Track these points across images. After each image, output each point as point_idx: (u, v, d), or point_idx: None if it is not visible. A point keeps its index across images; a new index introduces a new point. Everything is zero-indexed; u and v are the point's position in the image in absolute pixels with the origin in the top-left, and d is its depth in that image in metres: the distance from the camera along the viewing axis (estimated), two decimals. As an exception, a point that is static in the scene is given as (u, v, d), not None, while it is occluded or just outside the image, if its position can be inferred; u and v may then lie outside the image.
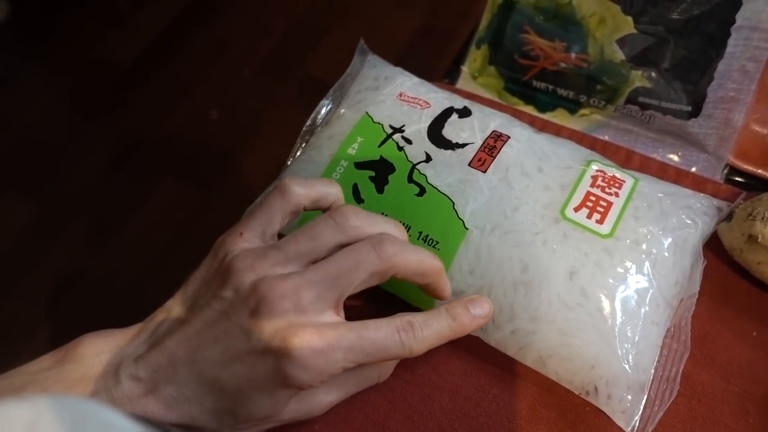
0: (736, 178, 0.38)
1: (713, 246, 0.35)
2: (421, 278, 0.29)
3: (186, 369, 0.25)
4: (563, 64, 0.38)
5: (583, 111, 0.40)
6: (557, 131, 0.39)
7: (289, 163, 0.39)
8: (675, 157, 0.38)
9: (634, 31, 0.36)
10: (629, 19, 0.35)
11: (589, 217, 0.32)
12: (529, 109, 0.41)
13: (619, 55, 0.36)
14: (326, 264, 0.27)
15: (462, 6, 1.40)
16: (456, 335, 0.29)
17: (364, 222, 0.28)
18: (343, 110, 0.37)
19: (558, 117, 0.41)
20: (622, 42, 0.36)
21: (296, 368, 0.25)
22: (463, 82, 0.43)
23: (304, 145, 0.39)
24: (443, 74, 0.44)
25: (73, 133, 1.38)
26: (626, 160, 0.39)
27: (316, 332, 0.25)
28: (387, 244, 0.27)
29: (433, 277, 0.29)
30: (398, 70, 0.39)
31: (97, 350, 0.27)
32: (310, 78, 1.38)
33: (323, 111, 0.40)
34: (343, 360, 0.26)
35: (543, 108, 0.41)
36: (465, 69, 0.43)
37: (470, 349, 0.34)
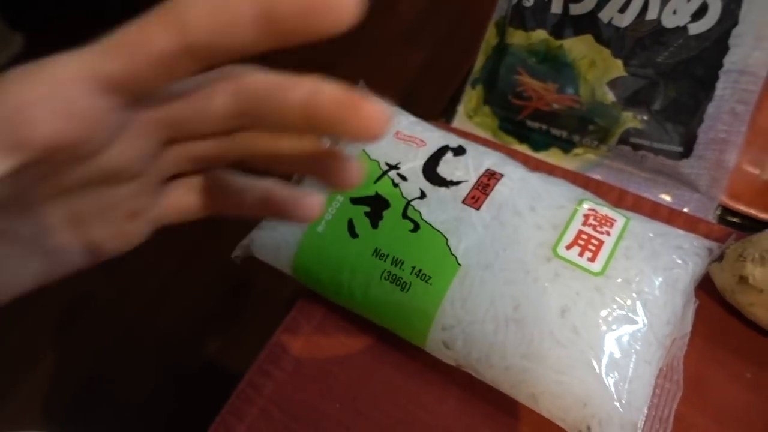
0: (729, 218, 0.38)
1: (706, 287, 0.35)
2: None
3: None
4: (556, 105, 0.39)
5: (576, 150, 0.40)
6: (551, 170, 0.40)
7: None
8: (667, 197, 0.39)
9: (625, 73, 0.37)
10: (619, 62, 0.36)
11: (580, 255, 0.32)
12: (524, 148, 0.42)
13: (610, 97, 0.37)
14: None
15: (466, 43, 1.43)
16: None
17: None
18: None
19: (552, 156, 0.41)
20: (612, 84, 0.37)
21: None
22: (459, 122, 0.43)
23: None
24: (440, 113, 0.45)
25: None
26: (619, 199, 0.39)
27: None
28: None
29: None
30: (395, 109, 0.39)
31: None
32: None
33: (320, 148, 0.40)
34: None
35: (537, 147, 0.42)
36: (461, 108, 0.43)
37: (463, 386, 0.33)
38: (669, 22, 0.34)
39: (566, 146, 0.41)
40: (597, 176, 0.40)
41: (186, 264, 1.20)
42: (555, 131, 0.40)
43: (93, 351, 1.11)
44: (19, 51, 1.56)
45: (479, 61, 0.42)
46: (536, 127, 0.41)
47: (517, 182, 0.35)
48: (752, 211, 0.38)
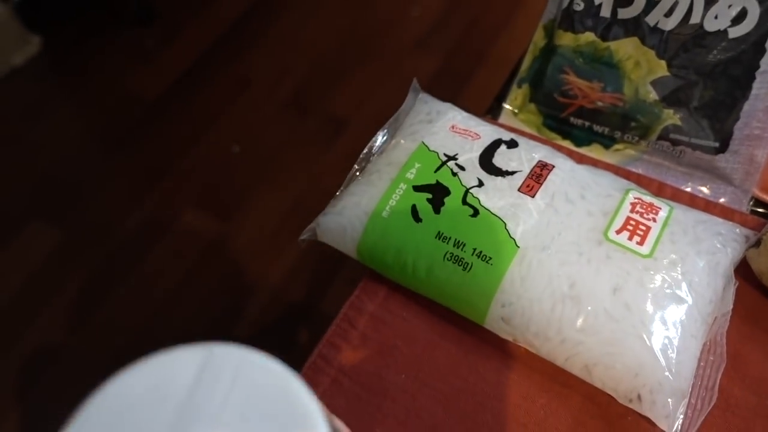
0: (761, 210, 0.41)
1: (743, 271, 0.37)
2: None
3: None
4: (600, 103, 0.42)
5: (617, 146, 0.43)
6: (594, 164, 0.43)
7: (344, 186, 0.42)
8: (704, 190, 0.42)
9: (667, 73, 0.39)
10: (663, 62, 0.39)
11: (630, 238, 0.35)
12: (566, 144, 0.45)
13: (653, 95, 0.40)
14: None
15: (478, 50, 1.46)
16: None
17: None
18: (400, 140, 0.41)
19: (593, 152, 0.44)
20: (655, 83, 0.40)
21: None
22: (505, 118, 0.46)
23: (359, 170, 0.42)
24: (486, 110, 0.47)
25: (99, 164, 1.42)
26: (658, 191, 0.42)
27: None
28: None
29: None
30: (449, 105, 0.42)
31: None
32: (329, 116, 1.42)
33: (378, 141, 0.43)
34: None
35: (579, 143, 0.44)
36: (507, 106, 0.46)
37: (519, 359, 0.36)
38: (711, 26, 0.37)
39: (608, 142, 0.44)
40: (637, 170, 0.43)
41: (199, 267, 1.23)
42: (597, 128, 0.43)
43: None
44: (37, 51, 1.59)
45: (526, 62, 0.45)
46: (579, 124, 0.44)
47: (568, 173, 0.38)
48: (783, 204, 0.41)
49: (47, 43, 1.58)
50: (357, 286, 0.40)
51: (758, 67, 0.38)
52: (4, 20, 1.48)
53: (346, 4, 1.60)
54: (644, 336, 0.32)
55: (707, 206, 0.41)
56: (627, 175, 0.42)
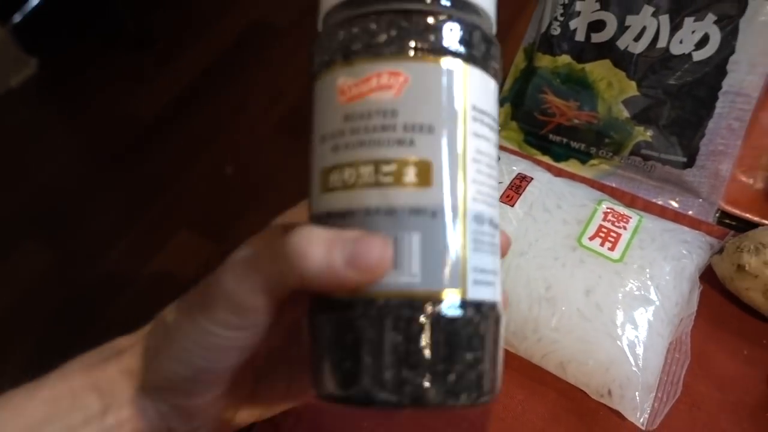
0: (727, 221, 0.44)
1: (708, 277, 0.40)
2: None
3: None
4: (576, 121, 0.45)
5: (592, 161, 0.46)
6: (571, 177, 0.45)
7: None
8: (673, 203, 0.44)
9: (638, 93, 0.42)
10: (633, 83, 0.42)
11: (602, 245, 0.37)
12: (546, 159, 0.48)
13: (624, 114, 0.43)
14: None
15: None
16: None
17: None
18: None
19: (570, 166, 0.47)
20: (627, 102, 0.42)
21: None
22: (488, 135, 0.49)
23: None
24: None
25: (93, 184, 1.44)
26: (631, 203, 0.44)
27: None
28: None
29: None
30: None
31: None
32: (322, 138, 1.45)
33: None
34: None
35: (557, 158, 0.47)
36: (489, 123, 0.49)
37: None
38: (676, 49, 0.40)
39: (584, 157, 0.46)
40: (611, 184, 0.46)
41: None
42: (574, 144, 0.46)
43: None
44: (34, 73, 1.61)
45: (507, 82, 0.48)
46: (557, 141, 0.47)
47: (545, 184, 0.41)
48: (747, 216, 0.43)
49: (44, 64, 1.60)
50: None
51: (720, 87, 0.41)
52: (1, 42, 1.51)
53: (340, 31, 1.64)
54: (614, 334, 0.35)
55: (676, 217, 0.43)
56: (601, 188, 0.45)
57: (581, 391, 0.36)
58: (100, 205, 1.38)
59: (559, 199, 0.40)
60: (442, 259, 0.19)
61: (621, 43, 0.41)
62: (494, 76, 0.21)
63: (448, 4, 0.20)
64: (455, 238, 0.20)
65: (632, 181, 0.45)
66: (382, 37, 0.20)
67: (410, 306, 0.19)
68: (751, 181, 0.44)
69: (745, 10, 0.38)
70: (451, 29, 0.20)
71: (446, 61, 0.20)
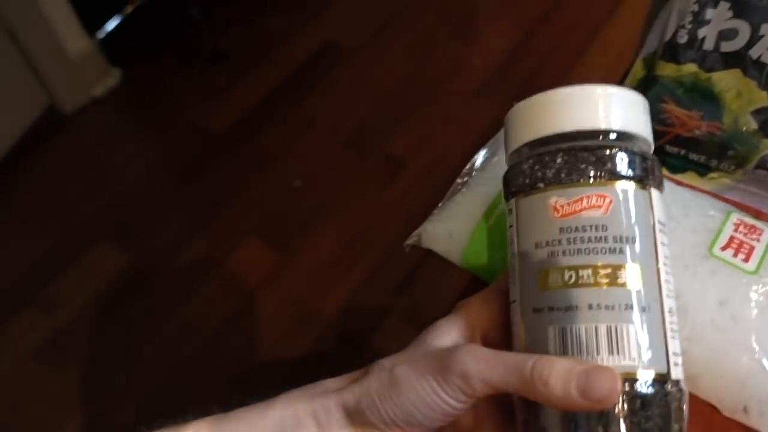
0: None
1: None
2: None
3: None
4: (697, 132, 0.44)
5: (712, 174, 0.45)
6: (691, 188, 0.44)
7: (446, 198, 0.44)
8: (801, 220, 0.43)
9: (768, 104, 0.41)
10: (764, 93, 0.41)
11: (734, 255, 0.36)
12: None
13: (753, 125, 0.42)
14: None
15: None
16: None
17: None
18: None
19: (688, 179, 0.45)
20: (756, 113, 0.41)
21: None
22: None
23: (461, 185, 0.45)
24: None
25: (166, 191, 1.48)
26: (756, 217, 0.43)
27: None
28: None
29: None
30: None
31: None
32: (388, 156, 1.46)
33: (480, 158, 0.45)
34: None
35: (673, 170, 0.46)
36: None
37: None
38: (814, 59, 0.39)
39: (702, 170, 0.45)
40: (733, 199, 0.44)
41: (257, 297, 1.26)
42: (693, 156, 0.45)
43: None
44: (116, 84, 1.68)
45: (623, 92, 0.47)
46: (675, 152, 0.45)
47: (669, 193, 0.40)
48: None
49: (126, 76, 1.68)
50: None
51: None
52: (89, 53, 1.59)
53: (410, 53, 1.66)
54: (751, 347, 0.33)
55: (805, 235, 0.42)
56: (724, 201, 0.44)
57: (710, 406, 0.35)
58: (172, 210, 1.42)
59: (685, 208, 0.39)
60: (654, 346, 0.26)
61: (754, 53, 0.40)
62: (660, 186, 0.30)
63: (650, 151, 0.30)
64: (660, 328, 0.26)
65: (756, 196, 0.44)
66: (589, 169, 0.27)
67: (632, 385, 0.25)
68: None
69: None
70: (649, 162, 0.29)
71: (642, 186, 0.28)
